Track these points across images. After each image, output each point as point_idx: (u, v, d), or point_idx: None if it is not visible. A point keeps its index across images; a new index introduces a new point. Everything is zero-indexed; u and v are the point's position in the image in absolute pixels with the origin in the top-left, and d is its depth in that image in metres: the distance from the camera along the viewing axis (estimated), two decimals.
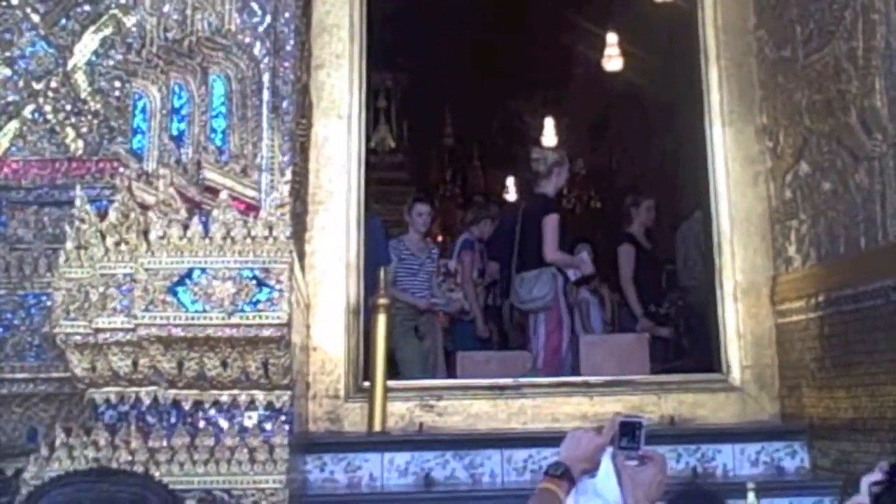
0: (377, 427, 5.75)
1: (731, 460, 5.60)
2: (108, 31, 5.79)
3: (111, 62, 5.76)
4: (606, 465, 2.73)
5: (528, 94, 13.62)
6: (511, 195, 13.64)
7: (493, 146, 14.44)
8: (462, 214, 11.16)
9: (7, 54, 5.73)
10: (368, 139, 8.07)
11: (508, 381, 6.22)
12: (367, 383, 5.94)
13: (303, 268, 5.64)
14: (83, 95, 5.74)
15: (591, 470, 2.74)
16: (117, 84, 5.71)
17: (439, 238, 11.00)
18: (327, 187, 6.15)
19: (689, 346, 7.98)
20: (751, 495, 3.91)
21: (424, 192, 10.00)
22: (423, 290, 8.16)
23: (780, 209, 6.22)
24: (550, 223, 7.36)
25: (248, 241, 4.49)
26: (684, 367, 6.81)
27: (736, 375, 6.20)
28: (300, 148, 5.59)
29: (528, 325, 7.52)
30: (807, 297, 5.74)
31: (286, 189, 4.78)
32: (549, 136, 13.20)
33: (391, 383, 6.02)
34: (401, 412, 5.97)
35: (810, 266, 5.82)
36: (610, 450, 2.75)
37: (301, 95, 5.55)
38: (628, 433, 2.72)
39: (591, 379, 6.30)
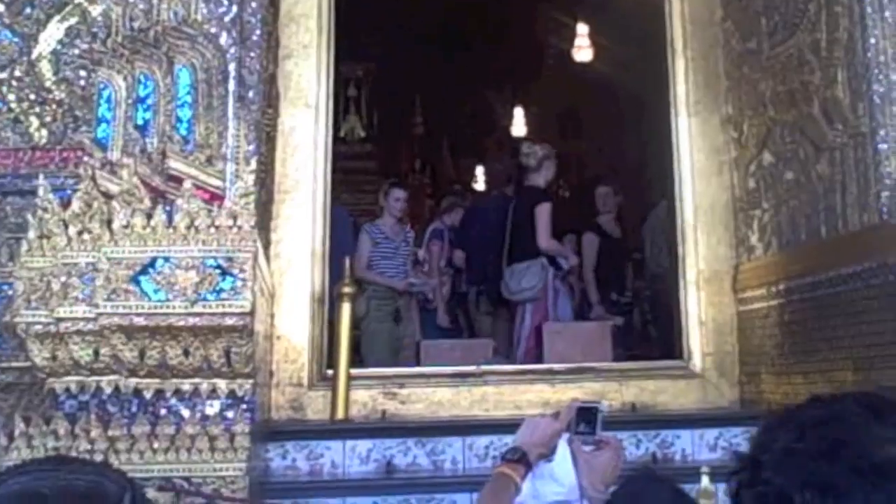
0: (340, 415, 5.76)
1: (690, 446, 5.63)
2: (73, 21, 5.75)
3: (76, 51, 5.72)
4: (563, 449, 2.76)
5: (498, 84, 13.63)
6: (480, 185, 13.65)
7: (463, 136, 14.43)
8: (431, 203, 11.18)
9: None
10: (337, 128, 8.07)
11: (471, 368, 6.25)
12: (330, 371, 5.94)
13: (268, 257, 5.63)
14: (48, 85, 5.70)
15: (548, 455, 2.77)
16: (82, 73, 5.67)
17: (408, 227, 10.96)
18: (293, 176, 6.13)
19: (654, 334, 8.02)
20: (705, 479, 3.94)
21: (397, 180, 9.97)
22: (400, 273, 8.18)
23: (743, 198, 6.28)
24: (543, 212, 7.46)
25: (212, 230, 4.48)
26: (648, 355, 6.86)
27: (697, 362, 6.25)
28: (266, 137, 5.58)
29: (515, 315, 7.58)
30: (768, 285, 5.80)
31: (251, 178, 4.78)
32: (519, 126, 13.22)
33: (355, 371, 6.04)
34: (364, 400, 5.99)
35: (772, 254, 5.88)
36: (567, 435, 2.77)
37: (268, 85, 5.54)
38: (585, 418, 2.74)
39: (554, 367, 6.36)
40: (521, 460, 2.71)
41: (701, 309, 6.30)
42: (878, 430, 1.22)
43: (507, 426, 4.39)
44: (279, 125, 6.08)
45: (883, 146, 4.89)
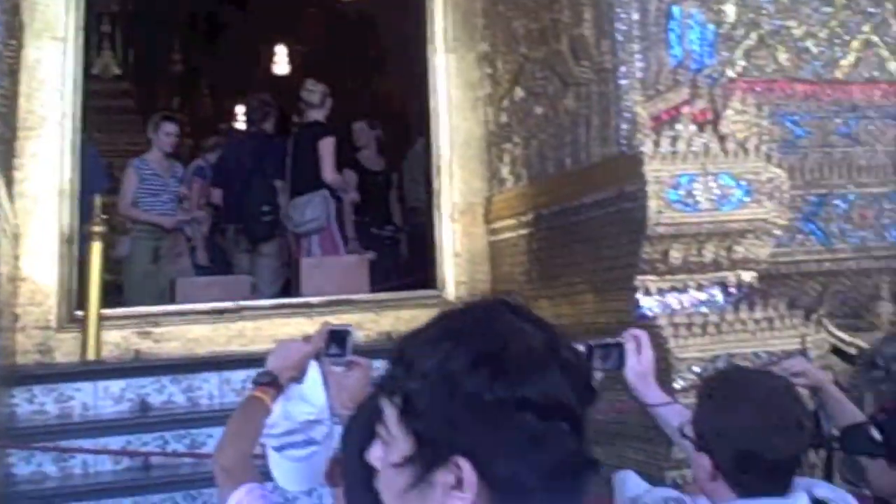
0: (91, 356, 5.60)
1: None
2: None
3: None
4: (314, 371, 2.80)
5: (260, 21, 13.40)
6: (242, 123, 13.43)
7: (224, 74, 14.16)
8: (190, 143, 10.91)
9: None
10: (88, 64, 7.76)
11: (229, 304, 6.20)
12: (81, 313, 5.75)
13: (11, 196, 5.41)
14: None
15: (299, 377, 2.80)
16: None
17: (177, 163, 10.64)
18: (40, 112, 5.87)
19: (412, 266, 8.15)
20: None
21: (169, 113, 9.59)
22: (168, 211, 7.94)
23: (496, 133, 6.46)
24: (328, 145, 7.45)
25: None
26: (409, 286, 6.99)
27: (451, 291, 6.45)
28: (9, 71, 5.33)
29: (301, 248, 7.54)
30: (517, 216, 6.02)
31: None
32: (282, 64, 13.08)
33: (107, 312, 5.86)
34: (116, 340, 5.83)
35: (521, 186, 6.09)
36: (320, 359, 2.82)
37: (10, 15, 5.27)
38: (337, 341, 2.78)
39: (312, 299, 6.39)
40: (273, 383, 2.74)
41: (455, 240, 6.48)
42: (523, 325, 1.34)
43: (264, 359, 4.41)
44: (23, 58, 5.80)
45: (624, 82, 5.12)
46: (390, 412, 1.35)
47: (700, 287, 4.89)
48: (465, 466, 1.27)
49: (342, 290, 6.49)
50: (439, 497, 1.30)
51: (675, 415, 2.73)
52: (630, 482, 3.06)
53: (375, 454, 1.42)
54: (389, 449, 1.36)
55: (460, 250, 6.46)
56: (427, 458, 1.31)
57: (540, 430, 1.26)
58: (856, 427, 2.81)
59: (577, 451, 1.30)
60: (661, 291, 4.85)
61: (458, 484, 1.28)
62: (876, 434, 2.69)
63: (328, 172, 7.37)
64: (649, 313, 4.78)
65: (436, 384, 1.29)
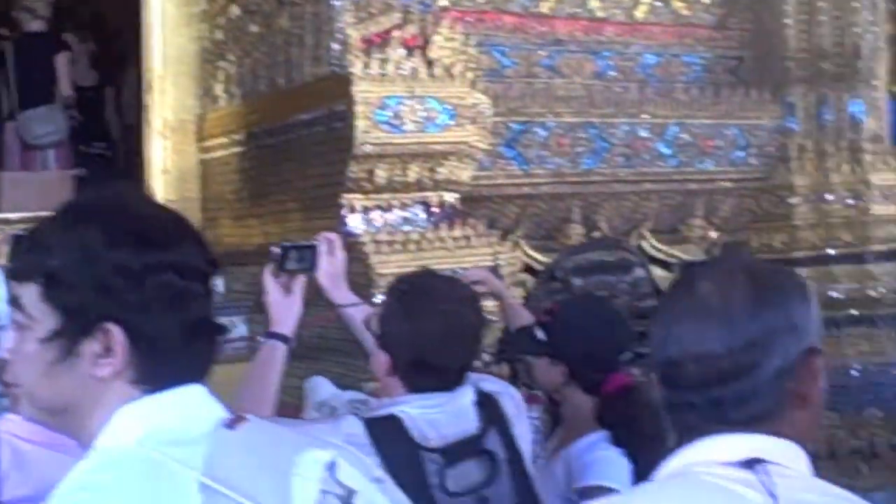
0: None
1: None
2: None
3: None
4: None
5: None
6: None
7: None
8: None
9: None
10: None
11: None
12: None
13: None
14: None
15: None
16: None
17: None
18: None
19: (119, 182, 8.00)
20: None
21: None
22: None
23: (210, 50, 6.37)
24: (65, 60, 7.50)
25: None
26: None
27: None
28: None
29: (31, 163, 7.42)
30: (229, 134, 6.00)
31: None
32: None
33: None
34: None
35: (235, 105, 6.05)
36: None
37: None
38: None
39: (10, 216, 6.21)
40: None
41: (166, 157, 6.36)
42: (149, 206, 1.51)
43: None
44: None
45: (337, 3, 5.14)
46: (30, 293, 1.38)
47: (404, 206, 5.02)
48: (115, 330, 1.35)
49: (44, 206, 6.25)
50: (88, 367, 1.37)
51: (363, 315, 2.84)
52: (320, 388, 3.17)
53: (6, 345, 1.44)
54: (30, 331, 1.39)
55: (170, 167, 6.34)
56: (75, 329, 1.36)
57: (181, 289, 1.38)
58: (522, 329, 3.03)
59: (209, 313, 1.45)
60: (366, 210, 4.95)
61: (107, 351, 1.35)
62: (540, 335, 2.90)
63: (66, 87, 7.27)
64: (355, 231, 4.88)
65: (82, 259, 1.35)
